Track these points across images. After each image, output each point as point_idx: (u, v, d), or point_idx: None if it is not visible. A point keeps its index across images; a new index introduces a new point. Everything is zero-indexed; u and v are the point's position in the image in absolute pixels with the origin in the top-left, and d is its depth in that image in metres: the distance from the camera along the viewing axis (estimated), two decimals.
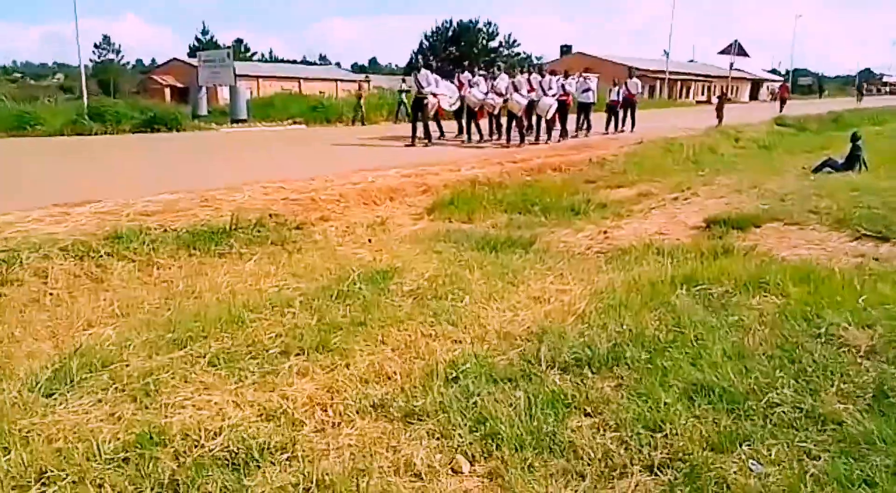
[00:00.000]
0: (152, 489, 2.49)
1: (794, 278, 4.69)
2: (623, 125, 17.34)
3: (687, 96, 54.99)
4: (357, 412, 3.09)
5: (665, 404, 3.03)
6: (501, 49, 61.95)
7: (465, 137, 14.52)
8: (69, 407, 3.05)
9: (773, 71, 76.78)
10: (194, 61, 24.19)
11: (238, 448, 2.70)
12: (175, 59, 49.71)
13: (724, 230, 6.63)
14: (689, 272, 4.96)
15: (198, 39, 59.41)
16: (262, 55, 68.71)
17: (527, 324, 4.13)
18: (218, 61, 20.74)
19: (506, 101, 13.53)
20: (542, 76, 14.29)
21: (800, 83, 67.31)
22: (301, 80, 42.59)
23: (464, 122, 14.66)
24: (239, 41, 63.11)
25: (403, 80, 16.55)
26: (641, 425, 2.89)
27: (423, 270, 5.27)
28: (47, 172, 9.55)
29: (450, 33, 60.24)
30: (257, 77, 42.05)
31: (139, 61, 71.12)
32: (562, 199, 8.79)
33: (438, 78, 14.15)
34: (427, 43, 60.48)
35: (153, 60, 64.16)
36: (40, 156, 11.40)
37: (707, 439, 2.79)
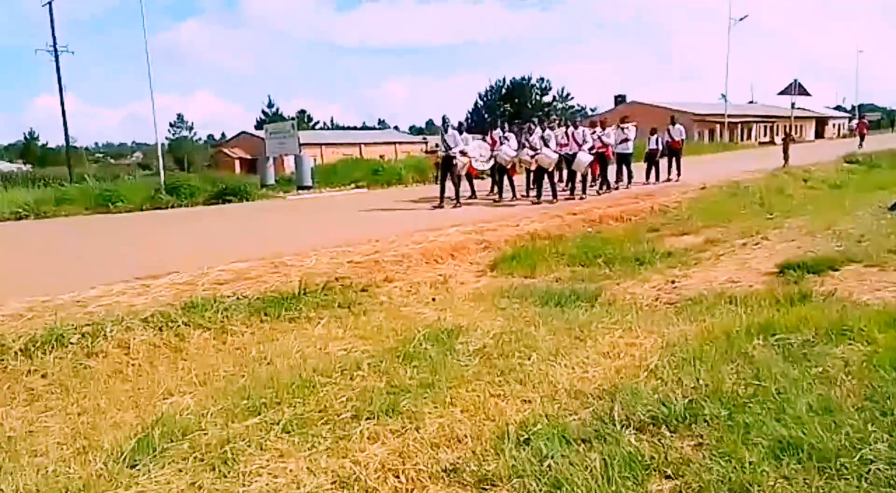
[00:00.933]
0: None
1: (879, 324, 4.46)
2: (669, 174, 16.80)
3: (748, 138, 53.96)
4: (429, 478, 3.06)
5: (750, 463, 2.88)
6: (555, 103, 62.84)
7: (497, 195, 14.29)
8: (152, 477, 3.14)
9: (838, 107, 74.75)
10: (261, 133, 25.42)
11: None
12: (243, 132, 52.47)
13: (799, 275, 6.39)
14: (765, 321, 4.78)
15: (264, 112, 62.76)
16: (324, 123, 71.70)
17: (597, 381, 4.04)
18: (283, 132, 21.72)
19: (534, 156, 13.21)
20: (576, 128, 13.98)
21: (868, 119, 65.18)
22: (362, 145, 44.04)
23: (496, 179, 14.47)
24: (302, 112, 66.23)
25: (425, 141, 16.48)
26: (727, 487, 2.75)
27: (488, 327, 5.26)
28: (130, 246, 10.09)
29: (503, 91, 61.51)
30: (320, 144, 43.83)
31: (210, 136, 75.22)
32: (625, 249, 8.67)
33: (469, 136, 14.12)
34: (482, 101, 61.87)
35: (223, 134, 67.77)
36: (123, 231, 12.07)
37: None
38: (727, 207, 12.33)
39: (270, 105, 65.63)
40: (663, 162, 16.91)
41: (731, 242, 8.74)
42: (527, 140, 13.41)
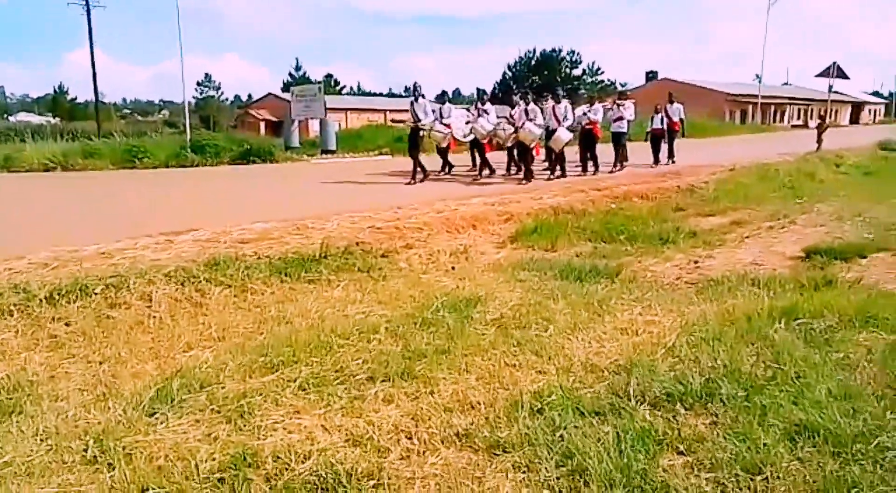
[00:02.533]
0: None
1: None
2: (669, 157, 15.41)
3: (781, 121, 52.80)
4: (442, 442, 3.08)
5: (765, 444, 2.87)
6: (585, 77, 61.78)
7: (477, 172, 13.11)
8: (170, 426, 3.21)
9: (876, 93, 72.73)
10: (287, 96, 25.35)
11: (326, 473, 2.76)
12: (270, 94, 52.41)
13: (825, 261, 6.29)
14: (788, 305, 4.72)
15: (291, 75, 62.52)
16: (351, 88, 71.32)
17: (614, 356, 4.03)
18: (309, 96, 21.63)
19: (517, 130, 12.07)
20: (558, 102, 12.63)
21: None
22: (387, 112, 43.78)
23: (473, 154, 13.45)
24: (329, 76, 65.86)
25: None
26: (739, 466, 2.74)
27: (506, 298, 5.26)
28: (155, 201, 10.19)
29: (532, 62, 60.61)
30: (346, 110, 43.66)
31: (237, 97, 75.29)
32: (649, 227, 8.57)
33: (451, 107, 13.07)
34: (510, 72, 61.06)
35: (249, 96, 67.76)
36: (149, 187, 12.17)
37: (811, 484, 2.62)
38: (756, 189, 12.12)
39: (298, 68, 65.40)
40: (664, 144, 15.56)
41: (757, 224, 8.60)
42: (510, 115, 12.35)
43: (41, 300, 4.79)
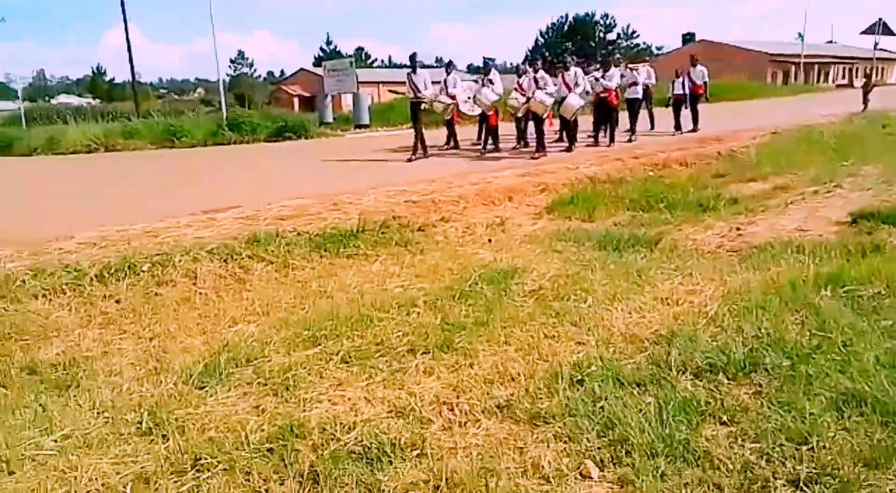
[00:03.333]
0: (294, 478, 2.64)
1: None
2: (693, 123, 14.47)
3: (825, 81, 50.90)
4: (482, 412, 3.12)
5: (811, 414, 2.83)
6: (619, 41, 60.40)
7: (491, 145, 12.46)
8: (219, 399, 3.32)
9: None
10: (319, 71, 25.37)
11: (371, 443, 2.82)
12: (302, 69, 52.52)
13: (872, 226, 6.09)
14: (833, 272, 4.61)
15: (322, 50, 62.64)
16: (382, 61, 70.97)
17: (654, 326, 4.01)
18: (341, 70, 21.61)
19: (528, 100, 11.43)
20: (567, 70, 11.89)
21: None
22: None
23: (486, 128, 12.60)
24: (360, 49, 65.78)
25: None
26: (784, 436, 2.71)
27: (544, 270, 5.25)
28: (195, 180, 10.38)
29: (566, 28, 59.42)
30: (377, 83, 43.48)
31: (270, 73, 75.67)
32: (688, 194, 8.41)
33: (457, 77, 12.39)
34: (542, 39, 60.01)
35: (282, 71, 68.05)
36: (188, 166, 12.38)
37: (859, 453, 2.58)
38: (799, 153, 11.73)
39: (329, 42, 65.53)
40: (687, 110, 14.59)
41: (801, 189, 8.36)
42: (518, 84, 11.77)
43: (92, 279, 4.96)
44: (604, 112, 12.74)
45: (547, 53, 47.70)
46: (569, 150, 11.89)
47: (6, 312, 4.53)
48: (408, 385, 3.40)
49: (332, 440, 2.88)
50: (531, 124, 12.26)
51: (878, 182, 8.20)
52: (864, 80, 21.81)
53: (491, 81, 11.94)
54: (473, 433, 2.94)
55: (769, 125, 14.26)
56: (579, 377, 3.34)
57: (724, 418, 2.92)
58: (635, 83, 13.57)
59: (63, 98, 64.20)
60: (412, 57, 11.82)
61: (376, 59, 71.16)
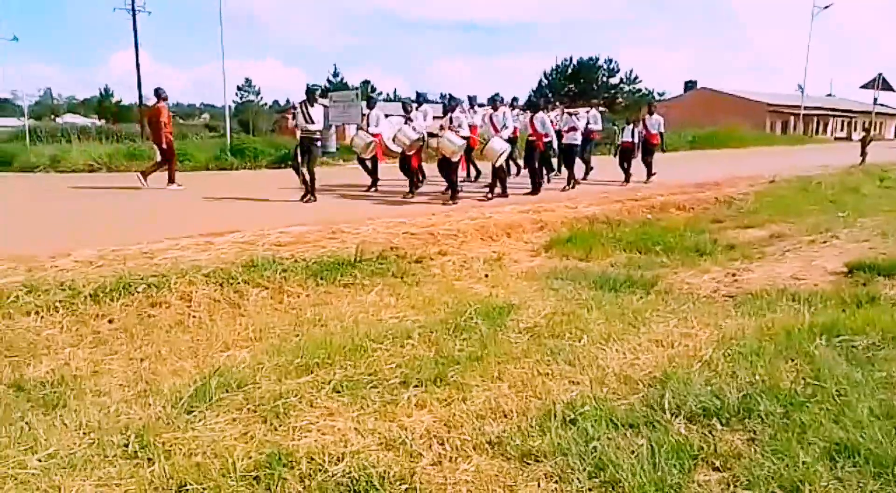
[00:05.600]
0: None
1: None
2: (648, 176, 13.64)
3: (824, 133, 51.68)
4: (474, 448, 3.09)
5: (804, 463, 2.81)
6: (622, 85, 61.32)
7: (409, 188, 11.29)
8: (207, 424, 3.28)
9: None
10: (325, 102, 25.65)
11: (359, 476, 2.78)
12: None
13: (868, 277, 6.12)
14: (829, 321, 4.62)
15: (329, 81, 63.27)
16: (388, 95, 71.82)
17: (648, 368, 3.99)
18: (346, 101, 21.84)
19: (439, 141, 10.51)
20: (495, 109, 10.99)
21: None
22: None
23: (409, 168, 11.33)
24: (366, 82, 66.45)
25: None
26: (777, 484, 2.69)
27: (539, 307, 5.25)
28: (195, 203, 10.40)
29: (569, 70, 60.39)
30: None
31: (275, 101, 76.32)
32: (686, 238, 8.46)
33: (380, 114, 11.82)
34: (546, 80, 60.92)
35: (287, 100, 68.53)
36: (188, 188, 12.39)
37: None
38: (796, 202, 11.86)
39: (336, 74, 66.24)
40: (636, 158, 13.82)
41: (798, 238, 8.42)
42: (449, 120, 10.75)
43: (86, 297, 4.94)
44: (529, 155, 11.74)
45: (550, 94, 48.35)
46: (502, 195, 10.95)
47: None
48: (399, 418, 3.37)
49: (320, 470, 2.84)
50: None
51: (874, 234, 8.26)
52: (862, 133, 22.14)
53: (410, 119, 11.15)
54: (464, 469, 2.91)
55: (767, 173, 14.41)
56: (572, 417, 3.31)
57: (717, 463, 2.89)
58: (573, 128, 12.69)
59: (69, 117, 64.58)
60: (309, 89, 10.43)
61: (382, 92, 72.11)
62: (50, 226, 8.16)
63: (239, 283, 5.46)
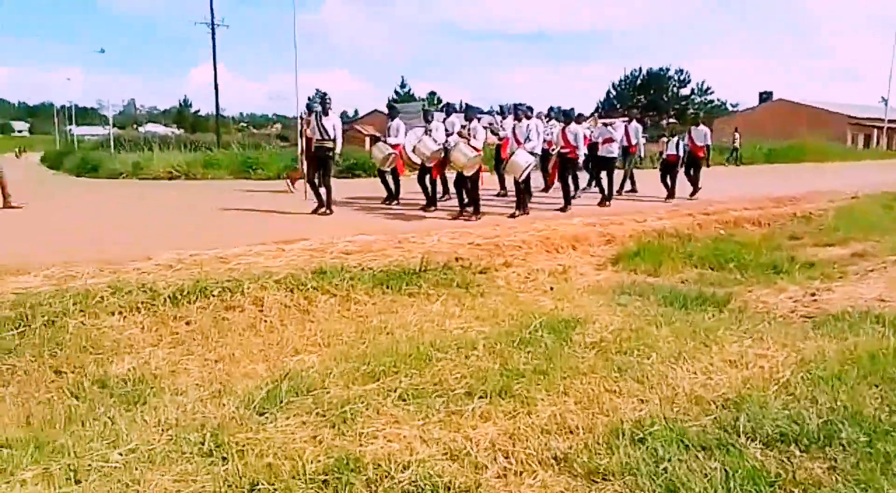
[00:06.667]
0: None
1: None
2: (693, 191, 12.84)
3: None
4: (539, 463, 3.06)
5: None
6: (693, 96, 59.83)
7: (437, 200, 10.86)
8: (278, 426, 3.36)
9: None
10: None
11: (424, 485, 2.80)
12: (376, 110, 54.04)
13: None
14: None
15: (396, 92, 64.21)
16: (453, 106, 72.36)
17: (721, 389, 3.86)
18: (412, 113, 22.17)
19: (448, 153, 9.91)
20: (519, 121, 10.28)
21: None
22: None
23: (427, 180, 10.92)
24: (432, 93, 67.03)
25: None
26: None
27: (606, 322, 5.16)
28: (267, 211, 10.71)
29: (638, 81, 59.37)
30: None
31: (344, 112, 78.17)
32: (761, 255, 8.16)
33: (401, 125, 11.23)
34: (614, 91, 60.07)
35: (356, 111, 70.08)
36: (261, 197, 12.81)
37: None
38: (881, 219, 11.26)
39: (403, 85, 67.17)
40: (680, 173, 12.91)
41: (882, 257, 7.98)
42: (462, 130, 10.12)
43: (165, 299, 5.15)
44: (563, 169, 11.10)
45: (618, 105, 47.67)
46: (523, 212, 10.14)
47: (84, 326, 4.74)
48: (464, 428, 3.37)
49: (387, 477, 2.87)
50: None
51: None
52: None
53: (432, 130, 10.59)
54: (529, 484, 2.88)
55: (848, 189, 13.76)
56: (641, 436, 3.24)
57: (796, 491, 2.77)
58: (610, 139, 12.04)
59: (150, 127, 67.99)
60: (323, 98, 9.97)
61: (447, 103, 72.76)
62: (135, 230, 8.58)
63: (308, 289, 5.59)
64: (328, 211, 9.90)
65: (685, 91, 60.30)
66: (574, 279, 7.05)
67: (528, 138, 10.06)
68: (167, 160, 18.24)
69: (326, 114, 9.73)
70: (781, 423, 3.30)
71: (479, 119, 10.51)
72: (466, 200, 9.96)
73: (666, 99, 56.99)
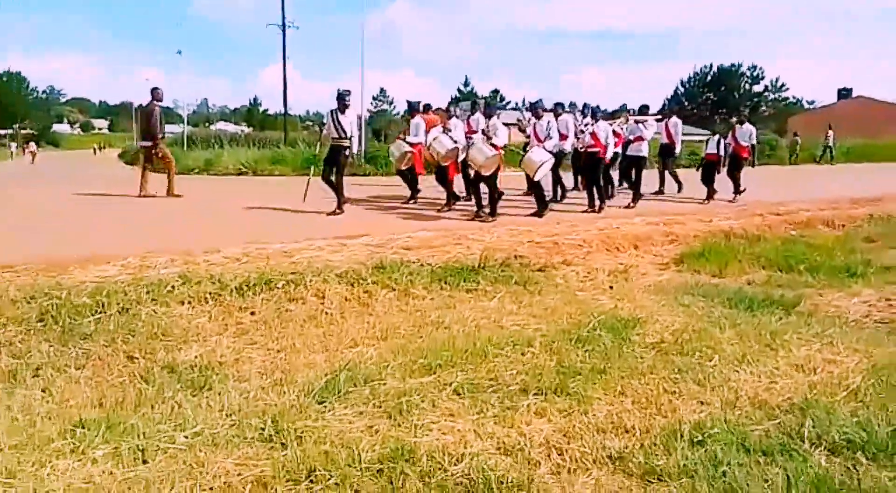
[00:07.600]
0: None
1: None
2: (735, 192, 12.19)
3: None
4: (593, 462, 3.04)
5: None
6: (766, 93, 57.68)
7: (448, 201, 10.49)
8: (336, 415, 3.45)
9: None
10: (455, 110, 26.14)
11: (478, 478, 2.82)
12: (439, 108, 54.42)
13: None
14: None
15: (459, 91, 64.46)
16: (516, 103, 72.03)
17: (786, 394, 3.74)
18: (466, 110, 22.17)
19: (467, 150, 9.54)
20: (538, 118, 10.05)
21: None
22: None
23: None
24: (495, 92, 66.97)
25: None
26: None
27: (667, 322, 5.06)
28: (330, 207, 10.93)
29: (708, 78, 57.63)
30: (509, 125, 44.11)
31: (406, 111, 79.07)
32: (834, 258, 7.81)
33: (421, 123, 10.96)
34: (683, 88, 58.51)
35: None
36: (325, 193, 13.09)
37: None
38: None
39: (466, 84, 67.39)
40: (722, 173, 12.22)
41: None
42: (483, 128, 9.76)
43: (232, 290, 5.35)
44: (591, 168, 10.59)
45: (686, 103, 46.41)
46: (537, 214, 9.65)
47: (155, 314, 4.97)
48: (518, 424, 3.38)
49: (440, 469, 2.91)
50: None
51: None
52: None
53: (451, 128, 10.18)
54: (583, 482, 2.87)
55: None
56: (700, 438, 3.17)
57: None
58: (640, 138, 11.62)
59: (221, 125, 70.45)
60: (340, 95, 9.54)
61: (510, 102, 72.47)
62: (209, 224, 8.92)
63: (368, 283, 5.70)
64: (339, 211, 9.65)
65: (758, 88, 58.23)
66: (635, 279, 6.92)
67: (548, 136, 9.83)
68: (236, 157, 18.89)
69: (343, 111, 9.41)
70: (849, 430, 3.17)
71: (498, 116, 10.15)
72: (484, 202, 9.53)
73: (737, 96, 55.17)
